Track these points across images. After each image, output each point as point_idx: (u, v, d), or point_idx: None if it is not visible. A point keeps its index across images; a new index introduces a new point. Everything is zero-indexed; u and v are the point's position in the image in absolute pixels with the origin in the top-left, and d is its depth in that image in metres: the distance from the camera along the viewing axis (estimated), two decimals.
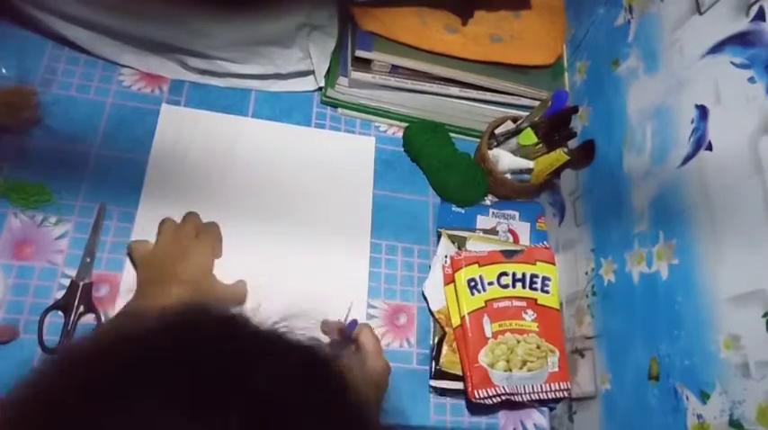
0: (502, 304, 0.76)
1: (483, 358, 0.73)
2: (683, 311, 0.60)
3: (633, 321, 0.67)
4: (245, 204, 0.79)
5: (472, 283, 0.76)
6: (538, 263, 0.80)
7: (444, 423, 0.75)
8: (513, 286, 0.78)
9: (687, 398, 0.58)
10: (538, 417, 0.78)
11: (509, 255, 0.80)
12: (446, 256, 0.80)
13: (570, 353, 0.79)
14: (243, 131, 0.83)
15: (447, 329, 0.76)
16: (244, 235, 0.76)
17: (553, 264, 0.81)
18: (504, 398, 0.73)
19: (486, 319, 0.74)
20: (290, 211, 0.80)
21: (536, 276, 0.79)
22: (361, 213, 0.83)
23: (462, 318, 0.75)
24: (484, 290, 0.76)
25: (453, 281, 0.77)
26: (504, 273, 0.78)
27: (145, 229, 0.73)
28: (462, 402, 0.76)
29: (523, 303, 0.77)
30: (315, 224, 0.80)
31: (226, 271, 0.73)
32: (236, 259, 0.74)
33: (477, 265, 0.77)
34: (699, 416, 0.56)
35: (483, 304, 0.75)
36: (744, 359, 0.52)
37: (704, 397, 0.56)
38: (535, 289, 0.79)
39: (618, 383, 0.69)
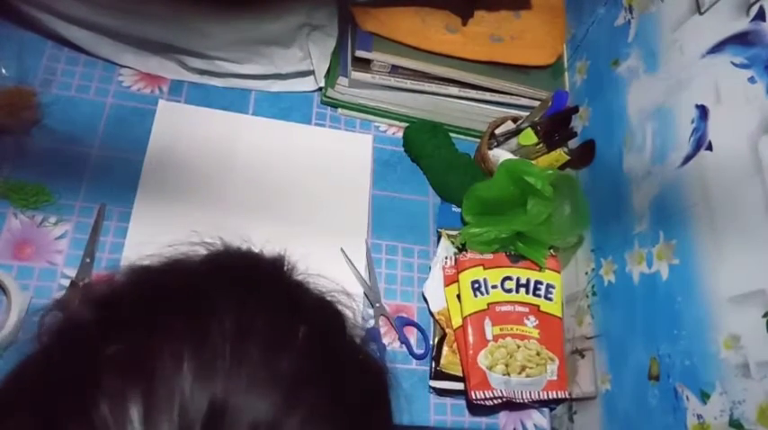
0: (504, 308, 0.76)
1: (482, 360, 0.72)
2: (683, 311, 0.60)
3: (633, 321, 0.67)
4: (242, 200, 0.79)
5: (476, 285, 0.76)
6: (544, 269, 0.80)
7: (444, 423, 0.75)
8: (517, 291, 0.77)
9: (687, 398, 0.58)
10: (538, 417, 0.77)
11: (515, 259, 0.79)
12: (446, 257, 0.80)
13: (570, 353, 0.78)
14: (240, 128, 0.83)
15: (447, 330, 0.76)
16: (239, 231, 0.76)
17: (558, 272, 0.80)
18: (499, 402, 0.72)
19: (487, 321, 0.74)
20: (286, 208, 0.80)
21: (540, 283, 0.78)
22: (359, 209, 0.83)
23: (464, 318, 0.75)
24: (487, 292, 0.76)
25: (457, 281, 0.77)
26: (509, 278, 0.78)
27: (140, 230, 0.73)
28: (462, 402, 0.76)
29: (526, 309, 0.77)
30: (312, 221, 0.80)
31: None
32: None
33: (482, 268, 0.77)
34: (699, 416, 0.56)
35: (485, 306, 0.75)
36: (744, 359, 0.52)
37: (704, 397, 0.56)
38: (539, 295, 0.78)
39: (618, 383, 0.68)
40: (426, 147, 0.86)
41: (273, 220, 0.78)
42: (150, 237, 0.74)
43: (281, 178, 0.82)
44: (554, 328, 0.77)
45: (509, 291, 0.77)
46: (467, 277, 0.77)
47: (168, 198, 0.76)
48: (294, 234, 0.76)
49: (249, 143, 0.83)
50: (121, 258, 0.71)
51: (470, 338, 0.74)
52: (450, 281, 0.78)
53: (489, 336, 0.74)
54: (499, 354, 0.73)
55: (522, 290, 0.78)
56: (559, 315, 0.78)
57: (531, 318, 0.76)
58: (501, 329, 0.75)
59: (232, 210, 0.77)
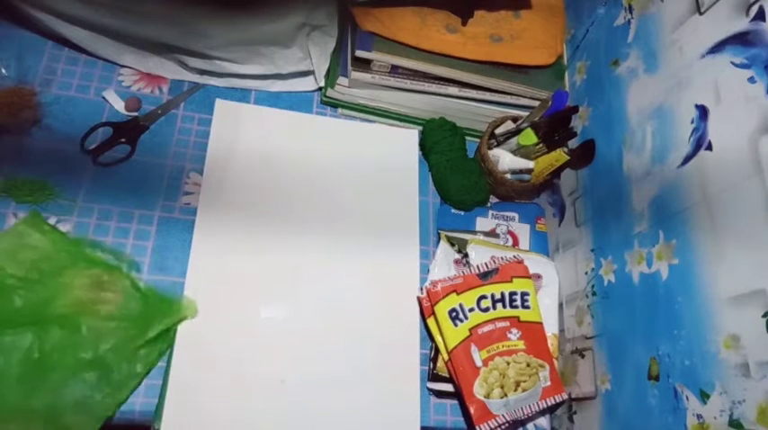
0: (486, 328, 0.75)
1: (478, 390, 0.71)
2: (683, 311, 0.60)
3: (633, 321, 0.67)
4: (298, 202, 0.81)
5: (453, 314, 0.75)
6: (514, 280, 0.78)
7: (444, 423, 0.75)
8: (494, 307, 0.76)
9: (687, 398, 0.58)
10: (538, 417, 0.77)
11: (484, 276, 0.78)
12: (421, 288, 0.78)
13: (570, 353, 0.79)
14: (289, 124, 0.86)
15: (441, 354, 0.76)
16: (290, 231, 0.78)
17: (529, 277, 0.79)
18: (505, 427, 0.72)
19: (473, 349, 0.73)
20: (339, 207, 0.82)
21: (515, 293, 0.77)
22: (409, 206, 0.85)
23: (450, 352, 0.73)
24: (466, 318, 0.75)
25: (433, 313, 0.75)
26: (483, 297, 0.76)
27: (207, 230, 0.75)
28: None
29: (507, 323, 0.76)
30: (362, 219, 0.82)
31: (272, 268, 0.76)
32: (281, 258, 0.77)
33: (455, 294, 0.75)
34: (699, 416, 0.56)
35: (468, 333, 0.74)
36: (744, 359, 0.52)
37: (704, 397, 0.56)
38: (516, 306, 0.77)
39: (618, 383, 0.69)
40: (441, 144, 0.86)
41: (329, 220, 0.81)
42: (214, 244, 0.76)
43: (334, 176, 0.84)
44: (538, 335, 0.77)
45: (486, 309, 0.76)
46: (443, 307, 0.75)
47: (228, 198, 0.78)
48: (346, 234, 0.80)
49: (300, 140, 0.85)
50: (187, 269, 0.73)
51: (461, 372, 0.72)
52: (428, 313, 0.77)
53: (479, 363, 0.72)
54: (492, 378, 0.72)
55: (499, 305, 0.76)
56: (539, 320, 0.78)
57: (514, 330, 0.75)
58: (488, 352, 0.73)
59: (289, 212, 0.80)
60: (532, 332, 0.77)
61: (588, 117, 0.83)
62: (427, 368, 0.76)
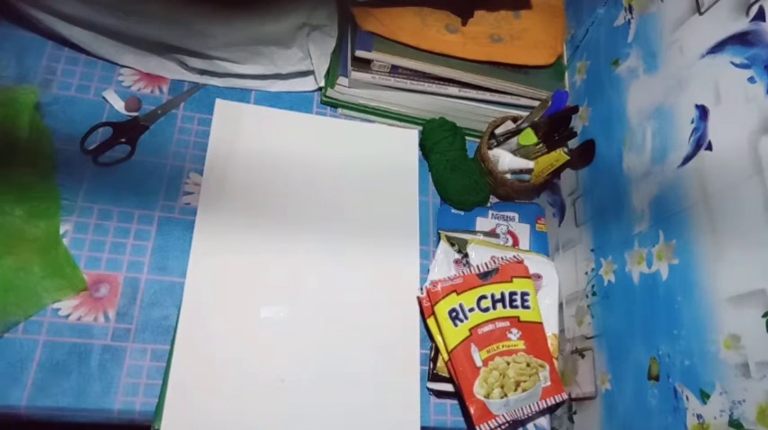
0: (486, 328, 0.75)
1: (478, 390, 0.71)
2: (683, 311, 0.60)
3: (633, 321, 0.67)
4: (298, 200, 0.81)
5: (453, 314, 0.75)
6: (514, 280, 0.78)
7: (444, 423, 0.75)
8: (494, 307, 0.76)
9: (687, 398, 0.58)
10: (538, 417, 0.77)
11: (484, 276, 0.78)
12: (421, 288, 0.79)
13: (570, 353, 0.79)
14: (288, 124, 0.86)
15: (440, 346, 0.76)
16: (290, 231, 0.78)
17: (529, 277, 0.79)
18: (505, 427, 0.72)
19: (473, 349, 0.73)
20: (340, 207, 0.82)
21: (515, 293, 0.77)
22: (409, 206, 0.85)
23: (450, 352, 0.73)
24: (466, 318, 0.75)
25: (433, 313, 0.76)
26: (483, 297, 0.76)
27: (207, 230, 0.75)
28: None
29: (507, 323, 0.76)
30: (362, 219, 0.82)
31: (272, 268, 0.76)
32: (281, 258, 0.76)
33: (455, 294, 0.75)
34: (699, 416, 0.56)
35: (468, 333, 0.74)
36: (744, 359, 0.52)
37: (704, 397, 0.56)
38: (516, 306, 0.77)
39: (618, 383, 0.69)
40: (441, 144, 0.86)
41: (328, 220, 0.81)
42: (214, 244, 0.76)
43: (334, 176, 0.84)
44: (538, 335, 0.77)
45: (486, 310, 0.76)
46: (443, 307, 0.75)
47: (230, 203, 0.78)
48: (346, 234, 0.80)
49: (300, 140, 0.85)
50: (186, 269, 0.73)
51: (461, 372, 0.72)
52: (428, 313, 0.77)
53: (479, 363, 0.72)
54: (492, 378, 0.72)
55: (499, 305, 0.76)
56: (539, 320, 0.78)
57: (514, 330, 0.75)
58: (488, 352, 0.73)
59: (289, 212, 0.79)
60: (533, 332, 0.77)
61: (588, 117, 0.83)
62: (427, 368, 0.76)
